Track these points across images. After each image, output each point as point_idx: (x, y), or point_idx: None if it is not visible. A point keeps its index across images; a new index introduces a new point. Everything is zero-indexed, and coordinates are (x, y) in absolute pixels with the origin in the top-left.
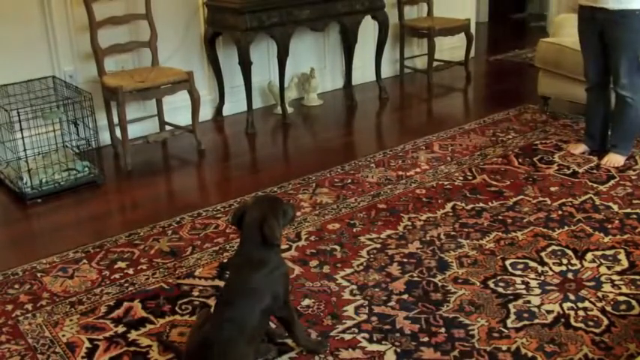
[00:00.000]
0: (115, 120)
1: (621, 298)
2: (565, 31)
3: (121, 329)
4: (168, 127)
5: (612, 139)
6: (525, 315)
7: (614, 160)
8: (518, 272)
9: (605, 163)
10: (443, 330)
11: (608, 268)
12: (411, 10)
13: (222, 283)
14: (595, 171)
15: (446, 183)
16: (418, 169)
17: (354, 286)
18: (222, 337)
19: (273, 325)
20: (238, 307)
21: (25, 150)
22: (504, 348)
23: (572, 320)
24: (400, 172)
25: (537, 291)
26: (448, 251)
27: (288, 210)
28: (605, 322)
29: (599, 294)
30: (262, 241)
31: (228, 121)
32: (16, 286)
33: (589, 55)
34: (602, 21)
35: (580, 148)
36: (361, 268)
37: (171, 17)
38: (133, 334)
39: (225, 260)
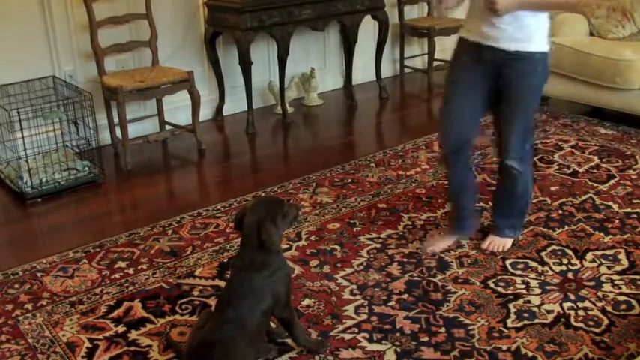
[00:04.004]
0: (115, 120)
1: (621, 298)
2: (565, 31)
3: (121, 329)
4: (168, 127)
5: (496, 220)
6: (525, 315)
7: (499, 243)
8: (519, 272)
9: (487, 247)
10: (443, 330)
11: (608, 267)
12: (411, 9)
13: (222, 283)
14: (595, 171)
15: (446, 183)
16: (418, 169)
17: (354, 286)
18: (223, 338)
19: (273, 325)
20: (238, 308)
21: (25, 150)
22: (504, 348)
23: (572, 320)
24: (400, 172)
25: (537, 291)
26: (448, 251)
27: (290, 211)
28: (605, 321)
29: (599, 294)
30: (260, 245)
31: (228, 121)
32: (16, 286)
33: (458, 108)
34: (492, 65)
35: (446, 242)
36: (361, 267)
37: (171, 17)
38: (133, 334)
39: (225, 260)
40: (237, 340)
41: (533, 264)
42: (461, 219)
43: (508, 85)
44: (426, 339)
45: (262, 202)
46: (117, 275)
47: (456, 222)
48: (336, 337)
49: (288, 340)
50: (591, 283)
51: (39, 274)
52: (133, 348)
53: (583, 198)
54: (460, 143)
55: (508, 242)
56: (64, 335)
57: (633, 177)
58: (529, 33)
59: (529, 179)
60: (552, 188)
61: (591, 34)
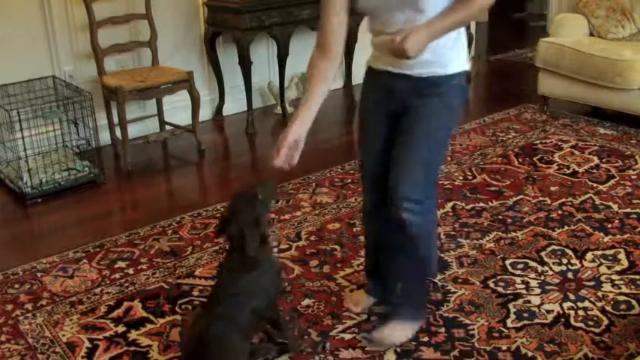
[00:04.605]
0: (115, 120)
1: (621, 298)
2: (565, 31)
3: (121, 329)
4: (168, 127)
5: (395, 304)
6: (525, 315)
7: (396, 336)
8: (518, 272)
9: (381, 340)
10: (443, 330)
11: (608, 267)
12: None
13: None
14: (595, 171)
15: (446, 183)
16: None
17: (355, 286)
18: (216, 333)
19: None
20: (228, 306)
21: (25, 150)
22: (504, 348)
23: (572, 320)
24: None
25: (537, 291)
26: (448, 251)
27: (266, 196)
28: (605, 321)
29: (599, 294)
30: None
31: (228, 121)
32: (16, 286)
33: (372, 152)
34: (403, 94)
35: (362, 302)
36: (361, 267)
37: (171, 17)
38: (133, 334)
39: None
40: (230, 336)
41: (533, 264)
42: (375, 276)
43: (414, 107)
44: (425, 339)
45: (236, 205)
46: (117, 275)
47: (371, 279)
48: (336, 338)
49: None
50: (591, 283)
51: (39, 274)
52: (132, 348)
53: (583, 198)
54: (377, 195)
55: (408, 333)
56: (63, 335)
57: (633, 177)
58: (446, 55)
59: (432, 238)
60: (552, 188)
61: (591, 34)
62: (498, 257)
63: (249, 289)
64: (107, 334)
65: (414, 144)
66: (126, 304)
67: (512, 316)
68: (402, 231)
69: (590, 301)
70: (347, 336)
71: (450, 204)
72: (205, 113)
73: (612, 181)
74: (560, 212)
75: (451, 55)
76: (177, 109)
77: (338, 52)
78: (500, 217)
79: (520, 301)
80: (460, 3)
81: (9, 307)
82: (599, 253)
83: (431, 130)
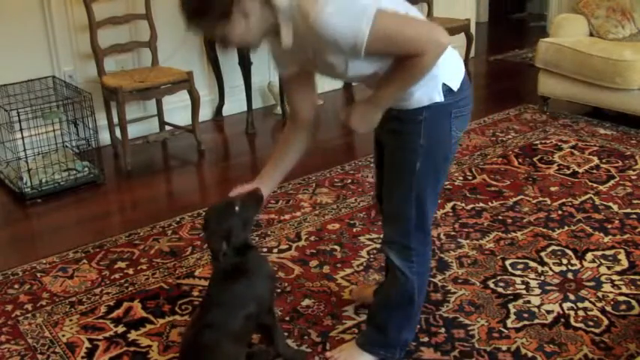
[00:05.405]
0: (115, 120)
1: (621, 298)
2: (565, 31)
3: (120, 329)
4: (168, 127)
5: (366, 329)
6: (525, 315)
7: (349, 356)
8: (518, 272)
9: (332, 356)
10: (443, 330)
11: (608, 268)
12: None
13: None
14: (595, 171)
15: (446, 183)
16: None
17: (354, 286)
18: (206, 342)
19: None
20: (218, 313)
21: (24, 150)
22: (504, 348)
23: (572, 320)
24: None
25: (537, 291)
26: (448, 251)
27: (245, 212)
28: (605, 322)
29: (599, 294)
30: (238, 251)
31: (228, 121)
32: (16, 286)
33: (377, 182)
34: (381, 125)
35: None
36: (361, 268)
37: (171, 17)
38: (132, 334)
39: None
40: (221, 344)
41: (533, 264)
42: None
43: (386, 147)
44: (425, 339)
45: (212, 216)
46: (116, 275)
47: None
48: (336, 338)
49: (288, 341)
50: (591, 284)
51: (39, 275)
52: (132, 348)
53: (583, 198)
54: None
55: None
56: (63, 336)
57: (633, 177)
58: (412, 89)
59: (415, 287)
60: (552, 188)
61: (591, 35)
62: (498, 257)
63: (239, 296)
64: (107, 334)
65: (389, 190)
66: (126, 304)
67: (512, 317)
68: (391, 274)
69: (590, 302)
70: (347, 336)
71: (450, 204)
72: (205, 113)
73: (612, 182)
74: (560, 212)
75: (419, 89)
76: (177, 109)
77: (304, 118)
78: (500, 217)
79: (520, 302)
80: (402, 64)
81: (9, 307)
82: (599, 253)
83: (405, 182)
